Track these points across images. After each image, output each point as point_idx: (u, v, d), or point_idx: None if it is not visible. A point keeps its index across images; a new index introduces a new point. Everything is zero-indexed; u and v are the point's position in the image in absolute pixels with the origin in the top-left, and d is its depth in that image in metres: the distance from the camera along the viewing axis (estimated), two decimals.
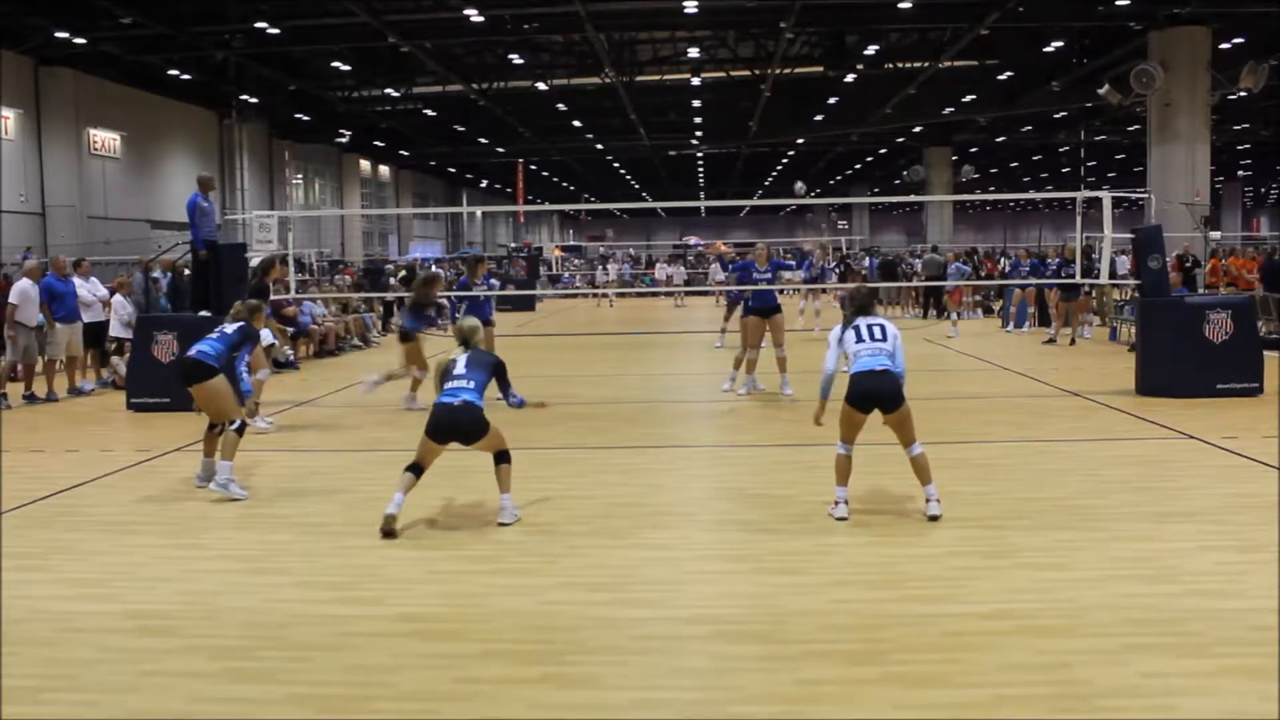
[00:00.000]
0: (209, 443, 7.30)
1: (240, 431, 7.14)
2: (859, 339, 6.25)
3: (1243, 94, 24.21)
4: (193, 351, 7.26)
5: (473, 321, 6.77)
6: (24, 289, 12.20)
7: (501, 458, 6.41)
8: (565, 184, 64.97)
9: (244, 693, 3.91)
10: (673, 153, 50.19)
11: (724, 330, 17.68)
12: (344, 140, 42.13)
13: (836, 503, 6.22)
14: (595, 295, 36.31)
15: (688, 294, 35.29)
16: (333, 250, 40.41)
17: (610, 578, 5.23)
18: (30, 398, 12.05)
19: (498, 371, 6.58)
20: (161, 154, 32.41)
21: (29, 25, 23.95)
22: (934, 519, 6.09)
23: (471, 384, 6.31)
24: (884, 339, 6.23)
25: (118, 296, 13.79)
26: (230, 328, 7.50)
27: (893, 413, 6.14)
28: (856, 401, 6.11)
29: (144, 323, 11.97)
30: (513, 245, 58.37)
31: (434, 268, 31.58)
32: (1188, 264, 19.75)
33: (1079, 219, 14.72)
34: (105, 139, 29.27)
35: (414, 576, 5.30)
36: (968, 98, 35.59)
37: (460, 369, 6.41)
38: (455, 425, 6.25)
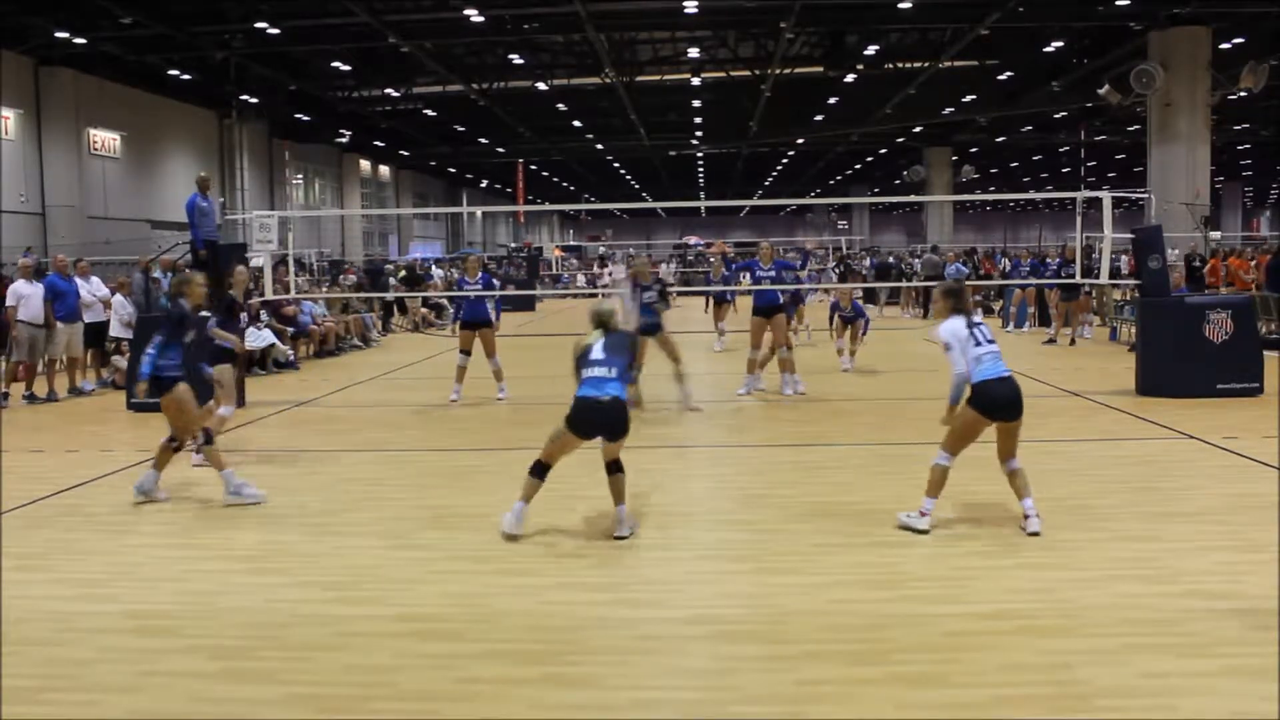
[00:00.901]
0: (164, 455, 7.05)
1: (211, 440, 7.01)
2: (977, 342, 5.86)
3: (1243, 94, 24.21)
4: (145, 368, 6.94)
5: (609, 304, 6.31)
6: (18, 289, 12.20)
7: (618, 466, 6.00)
8: (565, 184, 64.98)
9: (244, 693, 3.91)
10: (673, 153, 50.20)
11: (721, 331, 17.68)
12: (344, 140, 42.14)
13: (925, 514, 5.91)
14: (586, 296, 36.38)
15: (682, 294, 35.27)
16: (333, 250, 40.40)
17: (610, 578, 5.23)
18: (30, 398, 12.05)
19: (631, 349, 6.22)
20: (161, 154, 32.41)
21: (29, 25, 23.95)
22: (1034, 535, 5.72)
23: (614, 372, 5.86)
24: (994, 341, 5.96)
25: (118, 296, 13.78)
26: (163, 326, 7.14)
27: (1015, 421, 5.87)
28: (988, 410, 5.81)
29: (144, 323, 11.96)
30: (513, 245, 58.40)
31: (427, 270, 31.47)
32: (1195, 263, 19.77)
33: (1079, 219, 14.72)
34: (105, 139, 29.27)
35: (414, 576, 5.30)
36: (968, 98, 35.60)
37: (598, 354, 5.94)
38: (604, 421, 5.82)
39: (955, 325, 5.92)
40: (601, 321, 6.18)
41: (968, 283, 23.23)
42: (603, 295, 10.33)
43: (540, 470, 5.94)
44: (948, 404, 5.97)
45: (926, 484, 5.93)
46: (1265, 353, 11.42)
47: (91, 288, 13.59)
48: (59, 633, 4.55)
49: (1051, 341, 17.15)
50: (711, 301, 19.47)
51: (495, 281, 12.74)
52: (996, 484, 7.04)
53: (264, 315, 15.30)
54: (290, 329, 16.27)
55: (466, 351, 11.49)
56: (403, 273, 29.30)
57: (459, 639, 4.42)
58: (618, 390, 5.83)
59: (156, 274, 15.54)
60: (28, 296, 12.16)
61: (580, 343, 6.12)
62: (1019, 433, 5.94)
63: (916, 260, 31.30)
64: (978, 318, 6.03)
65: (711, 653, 4.25)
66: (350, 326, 19.26)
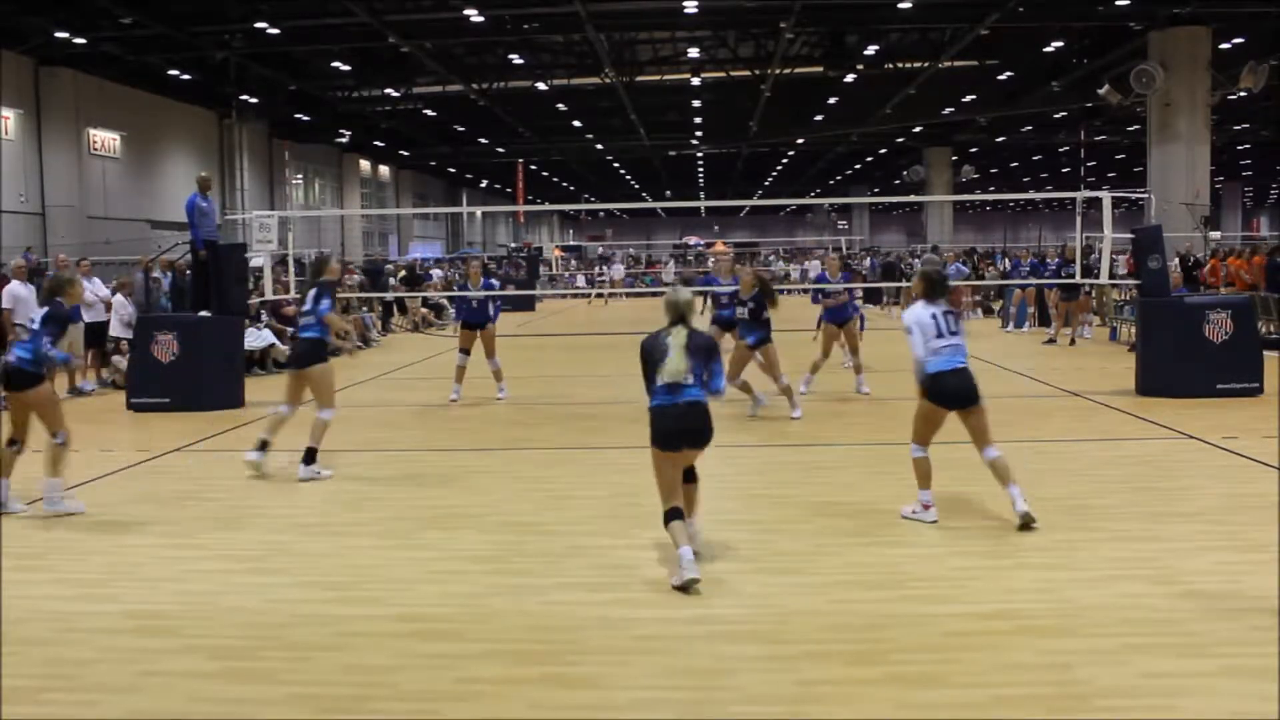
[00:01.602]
0: (7, 462, 6.68)
1: (64, 444, 6.67)
2: (939, 333, 5.94)
3: (1243, 94, 24.22)
4: (11, 357, 6.63)
5: (685, 294, 5.43)
6: (14, 290, 12.18)
7: (692, 474, 5.43)
8: (565, 184, 64.97)
9: (244, 693, 3.91)
10: (673, 153, 50.21)
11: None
12: (344, 140, 42.13)
13: (927, 506, 6.03)
14: (586, 295, 36.42)
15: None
16: (333, 250, 40.41)
17: (610, 578, 5.23)
18: None
19: (714, 354, 5.39)
20: (161, 154, 32.42)
21: (29, 25, 23.96)
22: (1026, 519, 5.76)
23: (691, 378, 5.19)
24: (959, 331, 6.02)
25: (119, 296, 13.78)
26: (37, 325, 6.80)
27: (972, 410, 5.96)
28: (940, 400, 5.94)
29: (144, 323, 11.98)
30: (513, 245, 58.37)
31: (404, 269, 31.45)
32: (1190, 263, 19.76)
33: (1079, 219, 14.73)
34: (105, 139, 29.28)
35: (414, 576, 5.30)
36: (968, 98, 35.61)
37: (675, 356, 5.18)
38: (687, 429, 5.18)
39: (920, 312, 6.01)
40: (680, 314, 5.34)
41: (968, 282, 23.41)
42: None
43: (674, 515, 5.15)
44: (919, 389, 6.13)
45: (916, 479, 6.13)
46: (1265, 353, 11.42)
47: (93, 288, 13.59)
48: (59, 633, 4.54)
49: (1051, 341, 17.15)
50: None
51: (496, 283, 12.76)
52: (995, 484, 7.04)
53: (264, 315, 15.30)
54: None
55: (466, 351, 11.49)
56: (403, 273, 29.30)
57: (459, 639, 4.42)
58: (697, 394, 5.21)
59: (156, 274, 15.55)
60: (24, 299, 12.13)
61: (651, 346, 5.32)
62: (986, 421, 6.03)
63: (917, 260, 31.31)
64: (949, 307, 6.10)
65: (711, 653, 4.25)
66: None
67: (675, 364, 5.18)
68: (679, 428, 5.16)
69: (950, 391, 5.92)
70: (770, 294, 9.83)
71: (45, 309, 6.92)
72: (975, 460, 7.86)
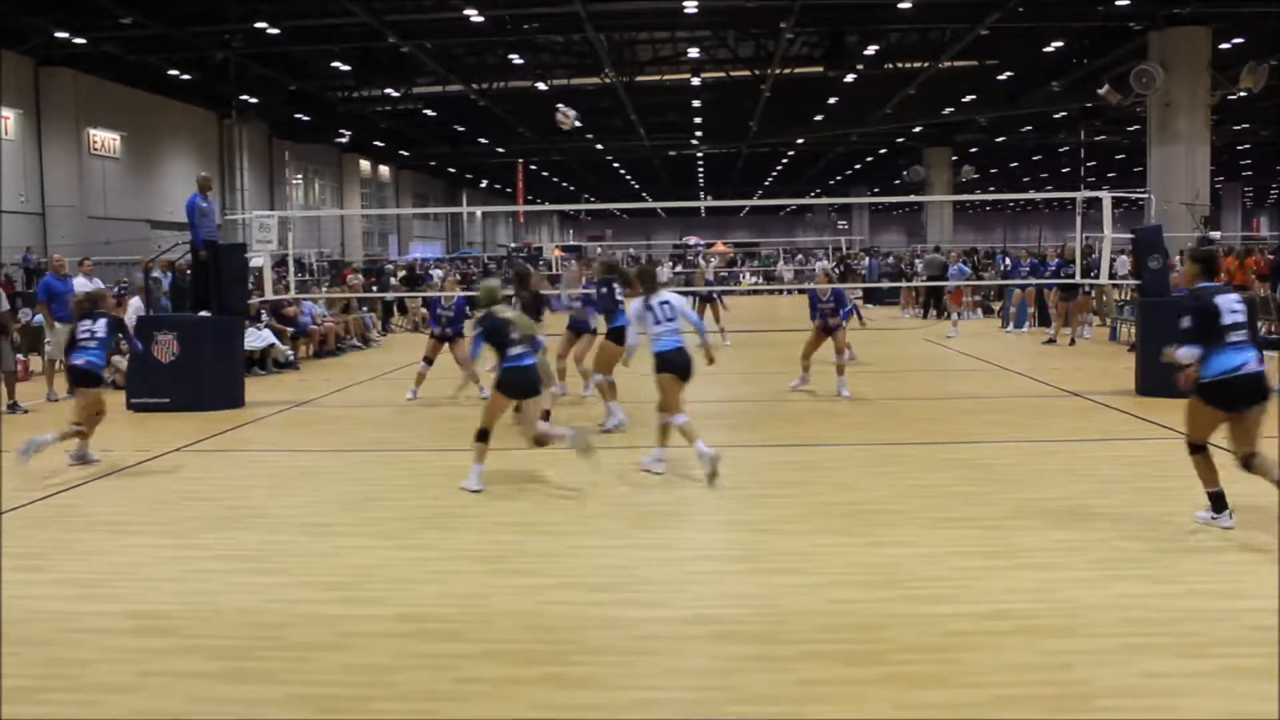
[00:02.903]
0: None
1: (76, 433, 8.08)
2: (656, 320, 7.41)
3: (1243, 94, 24.22)
4: (80, 361, 8.16)
5: (493, 282, 7.52)
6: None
7: (547, 415, 7.54)
8: (565, 184, 64.98)
9: (244, 693, 3.91)
10: (673, 153, 50.23)
11: (722, 330, 17.74)
12: (344, 140, 42.16)
13: (659, 460, 7.49)
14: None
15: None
16: (333, 250, 40.41)
17: (610, 578, 5.23)
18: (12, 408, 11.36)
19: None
20: (161, 154, 32.43)
21: (29, 25, 23.97)
22: (713, 467, 6.92)
23: (523, 346, 7.13)
24: (674, 317, 7.45)
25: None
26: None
27: (686, 380, 7.43)
28: (676, 371, 7.33)
29: (144, 323, 11.97)
30: (513, 245, 58.38)
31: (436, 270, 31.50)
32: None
33: (1079, 219, 14.72)
34: (105, 139, 29.29)
35: (414, 576, 5.30)
36: (968, 98, 35.62)
37: (521, 326, 7.10)
38: (530, 383, 7.09)
39: (636, 304, 7.52)
40: (493, 299, 7.19)
41: (968, 282, 23.39)
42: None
43: (484, 435, 7.07)
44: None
45: (657, 435, 7.51)
46: (1265, 353, 11.40)
47: (94, 287, 13.56)
48: (59, 633, 4.54)
49: (1051, 341, 17.15)
50: (700, 301, 19.56)
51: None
52: (994, 484, 7.05)
53: (264, 315, 15.30)
54: (290, 329, 16.27)
55: (430, 360, 11.91)
56: (402, 273, 29.30)
57: (459, 639, 4.42)
58: (531, 359, 7.11)
59: (156, 273, 15.54)
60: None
61: (498, 323, 7.03)
62: (681, 391, 7.42)
63: (918, 260, 31.33)
64: (665, 296, 7.53)
65: (711, 653, 4.25)
66: (350, 326, 19.26)
67: (524, 327, 7.06)
68: (526, 380, 7.03)
69: (675, 364, 7.32)
70: (623, 276, 9.73)
71: (106, 319, 8.37)
72: (975, 460, 7.88)
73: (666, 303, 7.47)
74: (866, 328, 20.21)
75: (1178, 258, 17.38)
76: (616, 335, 9.12)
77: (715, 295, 19.07)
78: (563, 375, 10.89)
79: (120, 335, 8.72)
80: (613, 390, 9.36)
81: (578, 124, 11.99)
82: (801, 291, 20.68)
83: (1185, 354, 5.73)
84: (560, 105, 12.08)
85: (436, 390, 11.93)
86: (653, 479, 7.47)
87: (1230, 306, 5.78)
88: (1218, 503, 5.83)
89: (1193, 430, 5.89)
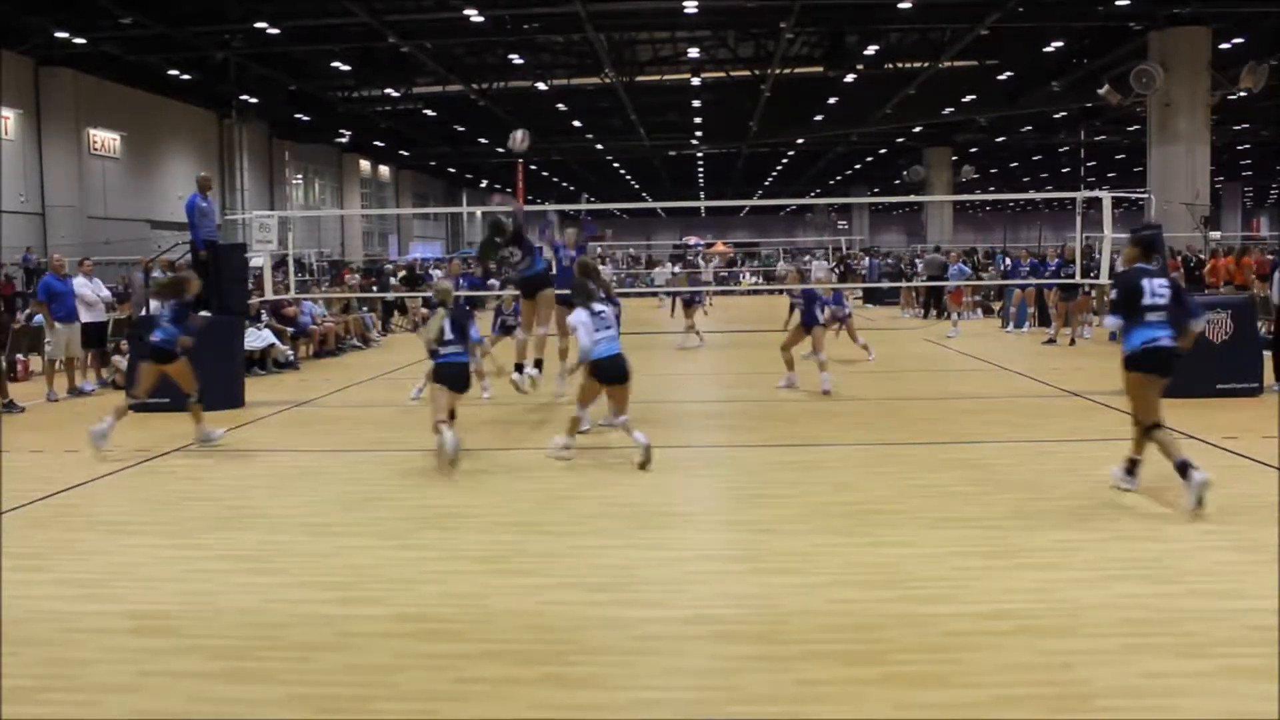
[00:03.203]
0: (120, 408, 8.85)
1: (199, 401, 8.97)
2: (597, 328, 7.90)
3: (1243, 94, 24.23)
4: (155, 338, 8.77)
5: (445, 284, 8.65)
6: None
7: (453, 413, 8.16)
8: (565, 184, 64.95)
9: (244, 693, 3.91)
10: (673, 153, 50.23)
11: (694, 329, 17.85)
12: (344, 140, 42.16)
13: (567, 448, 8.05)
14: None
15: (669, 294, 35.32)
16: (333, 250, 40.42)
17: (610, 578, 5.22)
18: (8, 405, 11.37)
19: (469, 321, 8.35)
20: (161, 154, 32.44)
21: (29, 25, 23.97)
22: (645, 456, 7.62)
23: (455, 345, 8.01)
24: (610, 325, 7.99)
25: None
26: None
27: (622, 386, 7.98)
28: (599, 377, 7.89)
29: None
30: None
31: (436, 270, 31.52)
32: (1191, 264, 19.77)
33: (1079, 219, 14.72)
34: (105, 139, 29.29)
35: (414, 576, 5.30)
36: (968, 98, 35.62)
37: (437, 325, 7.98)
38: (457, 376, 7.98)
39: (580, 314, 7.94)
40: (443, 300, 8.06)
41: (968, 282, 23.39)
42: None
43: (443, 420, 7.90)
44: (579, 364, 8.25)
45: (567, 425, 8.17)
46: (1265, 353, 11.41)
47: (95, 287, 13.56)
48: (59, 633, 4.54)
49: (1051, 341, 17.14)
50: (680, 302, 19.61)
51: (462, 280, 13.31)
52: (994, 484, 7.05)
53: (264, 315, 15.31)
54: (290, 329, 16.27)
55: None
56: (403, 273, 29.29)
57: (459, 639, 4.42)
58: (463, 355, 8.03)
59: (156, 273, 15.53)
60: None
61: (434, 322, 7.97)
62: (627, 395, 8.02)
63: (918, 260, 31.34)
64: (602, 305, 8.03)
65: (711, 653, 4.25)
66: (350, 326, 19.26)
67: (434, 331, 7.94)
68: (452, 374, 7.89)
69: (608, 371, 7.88)
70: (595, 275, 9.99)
71: (174, 303, 8.88)
72: (975, 460, 7.88)
73: (602, 312, 8.01)
74: (828, 328, 20.14)
75: (1178, 259, 17.43)
76: None
77: (697, 298, 19.10)
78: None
79: (184, 321, 8.99)
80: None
81: (525, 145, 12.07)
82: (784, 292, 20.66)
83: (1110, 322, 6.71)
84: (517, 132, 12.09)
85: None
86: (650, 481, 7.48)
87: (1154, 289, 6.45)
88: (1184, 472, 6.25)
89: (1141, 410, 6.56)
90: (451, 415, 7.93)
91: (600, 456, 8.48)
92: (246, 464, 8.40)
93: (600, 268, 10.34)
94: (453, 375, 7.91)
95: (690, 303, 18.71)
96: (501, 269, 12.16)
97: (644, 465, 7.63)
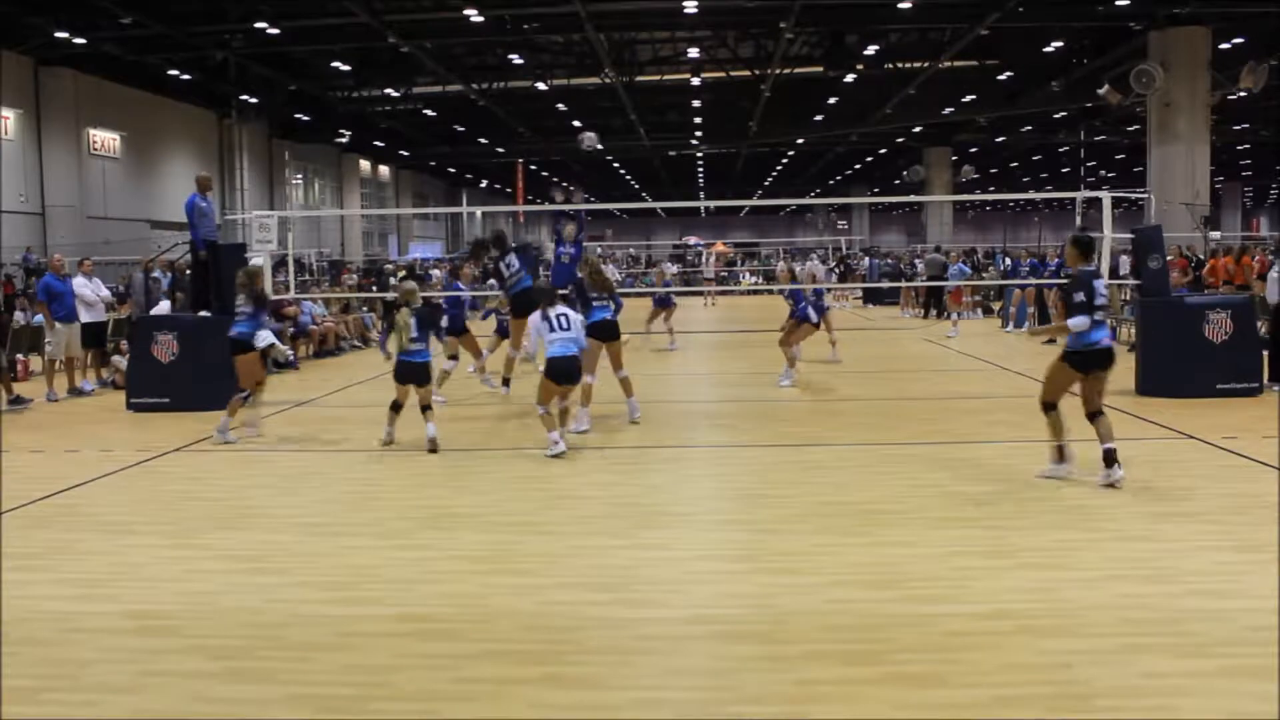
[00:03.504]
0: (233, 405, 9.26)
1: (245, 399, 9.30)
2: (552, 329, 8.26)
3: (1243, 94, 24.22)
4: (233, 331, 9.28)
5: (409, 285, 8.96)
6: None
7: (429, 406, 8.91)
8: (565, 184, 64.85)
9: (244, 693, 3.91)
10: (673, 153, 50.19)
11: (670, 331, 17.85)
12: (344, 140, 42.12)
13: (555, 442, 8.10)
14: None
15: (680, 294, 35.28)
16: (333, 250, 40.41)
17: (610, 578, 5.23)
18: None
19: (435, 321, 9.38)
20: (161, 154, 32.42)
21: (29, 25, 23.96)
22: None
23: (420, 343, 8.65)
24: (569, 328, 8.29)
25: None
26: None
27: (573, 385, 8.47)
28: (555, 378, 8.17)
29: (144, 323, 11.96)
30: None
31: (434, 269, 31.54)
32: (1191, 263, 19.75)
33: (1079, 219, 14.71)
34: (105, 139, 29.28)
35: (414, 576, 5.30)
36: (968, 98, 35.61)
37: (406, 326, 8.53)
38: (418, 372, 8.69)
39: (535, 318, 8.50)
40: (406, 301, 8.56)
41: (968, 282, 23.37)
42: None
43: (397, 406, 8.77)
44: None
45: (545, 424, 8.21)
46: (1265, 353, 11.41)
47: (94, 287, 13.55)
48: (59, 633, 4.54)
49: (1052, 342, 17.06)
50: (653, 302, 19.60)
51: (461, 285, 13.36)
52: (994, 484, 7.05)
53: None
54: (290, 329, 16.26)
55: (455, 357, 11.81)
56: (402, 273, 29.26)
57: (459, 639, 4.42)
58: (427, 355, 8.62)
59: (156, 274, 15.54)
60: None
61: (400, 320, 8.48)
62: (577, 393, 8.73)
63: (918, 260, 31.34)
64: (563, 309, 8.41)
65: (711, 653, 4.25)
66: (350, 326, 19.26)
67: (407, 332, 8.45)
68: (415, 371, 8.56)
69: (562, 371, 8.18)
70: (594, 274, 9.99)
71: (254, 296, 9.38)
72: (975, 460, 7.88)
73: (564, 315, 8.38)
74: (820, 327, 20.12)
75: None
76: (592, 330, 9.14)
77: (669, 299, 19.09)
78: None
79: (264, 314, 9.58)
80: (587, 394, 9.31)
81: (598, 146, 12.52)
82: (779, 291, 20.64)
83: (1076, 323, 6.75)
84: (588, 134, 12.67)
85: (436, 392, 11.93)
86: (650, 481, 7.48)
87: (1099, 290, 6.84)
88: (1059, 454, 7.02)
89: (1048, 392, 7.01)
90: (425, 408, 8.57)
91: (601, 456, 8.48)
92: (246, 464, 8.40)
93: (603, 267, 10.36)
94: (415, 371, 8.53)
95: (663, 303, 18.68)
96: (487, 278, 12.42)
97: (555, 456, 8.04)
